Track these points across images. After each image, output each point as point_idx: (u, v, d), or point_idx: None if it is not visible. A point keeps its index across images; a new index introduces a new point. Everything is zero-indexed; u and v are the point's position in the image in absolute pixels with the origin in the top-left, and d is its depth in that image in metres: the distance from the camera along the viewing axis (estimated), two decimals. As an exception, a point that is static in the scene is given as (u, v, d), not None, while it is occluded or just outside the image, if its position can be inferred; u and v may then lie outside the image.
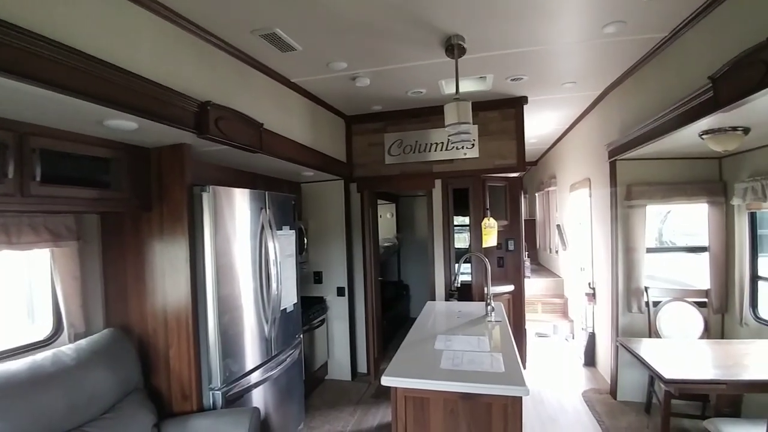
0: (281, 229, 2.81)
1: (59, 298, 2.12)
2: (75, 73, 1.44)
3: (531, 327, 4.76)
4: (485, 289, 3.91)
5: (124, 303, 2.28)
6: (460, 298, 3.92)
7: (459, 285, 2.93)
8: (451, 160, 3.94)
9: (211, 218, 2.15)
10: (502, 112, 3.79)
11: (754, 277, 2.80)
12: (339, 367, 4.08)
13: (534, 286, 5.51)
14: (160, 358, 2.20)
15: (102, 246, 2.34)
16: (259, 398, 2.48)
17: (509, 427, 1.71)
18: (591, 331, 4.16)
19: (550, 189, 6.05)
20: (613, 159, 3.31)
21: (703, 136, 2.32)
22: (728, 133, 2.20)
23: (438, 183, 4.02)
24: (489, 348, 2.13)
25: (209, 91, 2.12)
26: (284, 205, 2.88)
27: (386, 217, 6.48)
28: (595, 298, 4.07)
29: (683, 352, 2.57)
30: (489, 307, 2.79)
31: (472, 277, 3.99)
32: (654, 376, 2.83)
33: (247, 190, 2.44)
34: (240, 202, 2.37)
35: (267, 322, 2.56)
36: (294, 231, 3.03)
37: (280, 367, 2.67)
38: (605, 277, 3.71)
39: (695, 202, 3.12)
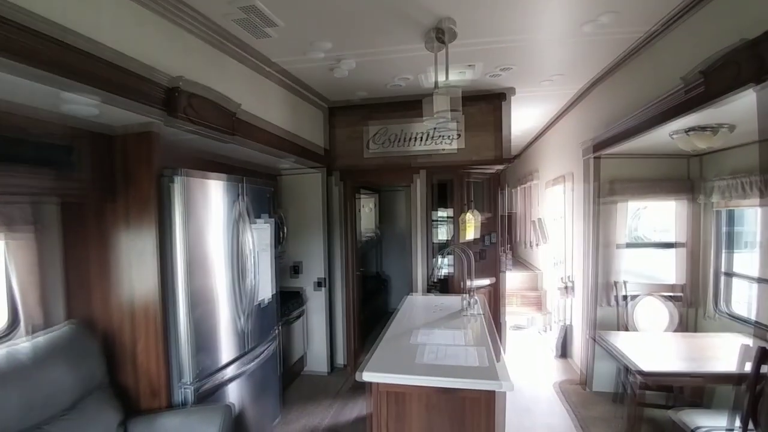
0: (258, 220, 2.71)
1: (14, 290, 1.98)
2: (23, 36, 1.31)
3: (508, 319, 4.82)
4: (465, 282, 3.93)
5: (88, 296, 2.16)
6: (441, 290, 3.92)
7: (442, 277, 2.91)
8: (432, 153, 3.90)
9: (182, 208, 2.04)
10: (485, 106, 3.77)
11: (721, 273, 2.89)
12: (317, 361, 4.03)
13: (512, 279, 5.57)
14: (126, 354, 2.10)
15: (63, 236, 2.20)
16: (234, 393, 2.41)
17: (484, 420, 1.70)
18: (566, 323, 4.24)
19: (531, 183, 6.11)
20: (597, 155, 3.34)
21: (673, 136, 2.35)
22: (698, 133, 2.24)
23: (419, 175, 3.98)
24: (468, 342, 2.12)
25: (180, 69, 1.99)
26: (261, 195, 2.78)
27: (367, 209, 6.42)
28: (572, 291, 4.14)
29: (656, 345, 2.64)
30: (469, 301, 2.78)
31: (453, 270, 3.99)
32: (625, 368, 2.92)
33: (221, 178, 2.33)
34: (213, 191, 2.27)
35: (242, 315, 2.48)
36: (271, 222, 2.94)
37: (255, 362, 2.59)
38: (580, 272, 3.77)
39: (668, 199, 3.19)
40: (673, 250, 3.35)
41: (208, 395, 2.18)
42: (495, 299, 4.17)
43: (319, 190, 4.00)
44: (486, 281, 4.15)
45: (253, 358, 2.60)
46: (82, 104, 1.60)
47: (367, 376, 1.77)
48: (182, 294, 2.05)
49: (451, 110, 2.45)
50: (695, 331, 3.18)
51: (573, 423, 2.87)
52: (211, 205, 2.24)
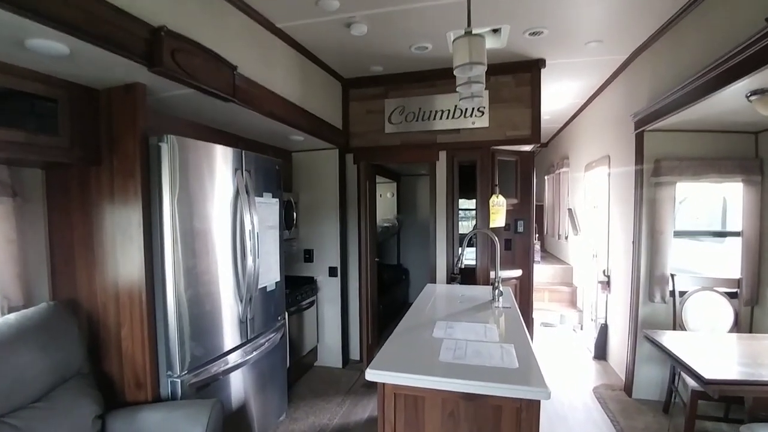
0: (262, 196, 2.45)
1: (-11, 264, 1.80)
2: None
3: (536, 316, 4.44)
4: (491, 272, 3.59)
5: (72, 274, 1.95)
6: (463, 282, 3.59)
7: (462, 266, 2.58)
8: (458, 130, 3.55)
9: (171, 176, 1.79)
10: (516, 77, 3.39)
11: None
12: (329, 354, 3.78)
13: (541, 273, 5.17)
14: (111, 339, 1.88)
15: (48, 208, 2.00)
16: (233, 386, 2.18)
17: (523, 434, 1.38)
18: (603, 322, 3.83)
19: (561, 171, 5.65)
20: (640, 130, 2.92)
21: (751, 98, 1.93)
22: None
23: (442, 155, 3.64)
24: (498, 338, 1.79)
25: (167, 19, 1.73)
26: (266, 169, 2.52)
27: (387, 196, 6.13)
28: (609, 286, 3.73)
29: (713, 347, 2.24)
30: (497, 291, 2.44)
31: (476, 260, 3.65)
32: (678, 374, 2.52)
33: (217, 146, 2.08)
34: (209, 160, 2.01)
35: (242, 301, 2.23)
36: (278, 200, 2.68)
37: (257, 352, 2.35)
38: (623, 264, 3.36)
39: (729, 180, 2.74)
40: (724, 242, 2.91)
41: (202, 387, 1.95)
42: (523, 293, 3.80)
43: (333, 171, 3.72)
44: (513, 273, 3.79)
45: (254, 348, 2.35)
46: (49, 39, 1.35)
47: (374, 375, 1.47)
48: (171, 274, 1.81)
49: (475, 63, 2.09)
50: (752, 331, 2.75)
51: (615, 435, 2.50)
52: (205, 174, 1.98)
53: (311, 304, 3.57)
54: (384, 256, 6.04)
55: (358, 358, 3.85)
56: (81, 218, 1.91)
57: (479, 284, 3.56)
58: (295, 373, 3.30)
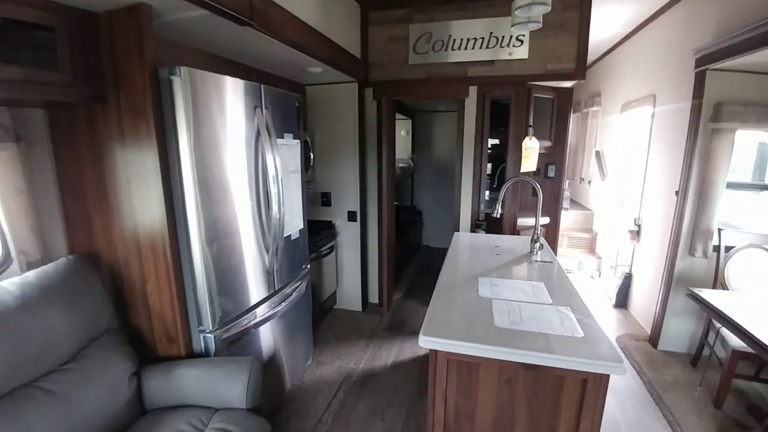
0: (282, 137, 2.22)
1: (0, 217, 1.63)
2: None
3: (555, 261, 4.38)
4: (518, 220, 3.44)
5: (88, 224, 1.79)
6: (488, 230, 3.46)
7: (499, 214, 2.41)
8: (492, 62, 3.18)
9: (187, 114, 1.55)
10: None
11: None
12: (349, 298, 3.77)
13: (561, 218, 5.03)
14: (136, 294, 1.77)
15: (54, 152, 1.78)
16: (263, 338, 2.13)
17: (586, 408, 1.31)
18: (627, 271, 3.76)
19: (591, 110, 5.25)
20: (703, 68, 2.57)
21: None
22: None
23: (473, 91, 3.30)
24: (550, 299, 1.68)
25: None
26: (286, 106, 2.25)
27: (401, 134, 5.79)
28: (639, 236, 3.60)
29: (760, 308, 2.13)
30: (537, 245, 2.30)
31: (503, 206, 3.48)
32: (716, 331, 2.47)
33: (236, 80, 1.80)
34: (227, 96, 1.75)
35: (268, 251, 2.10)
36: (299, 141, 2.44)
37: (285, 303, 2.28)
38: (660, 214, 3.20)
39: None
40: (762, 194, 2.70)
41: (234, 342, 1.89)
42: (549, 241, 3.69)
43: (351, 108, 3.40)
44: (542, 221, 3.64)
45: (282, 299, 2.27)
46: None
47: (428, 342, 1.37)
48: (195, 226, 1.64)
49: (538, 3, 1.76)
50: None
51: (642, 386, 2.51)
52: (224, 112, 1.73)
53: (331, 249, 3.48)
54: (398, 198, 5.88)
55: (377, 301, 3.86)
56: (90, 162, 1.70)
57: (505, 233, 3.43)
58: (317, 316, 3.30)
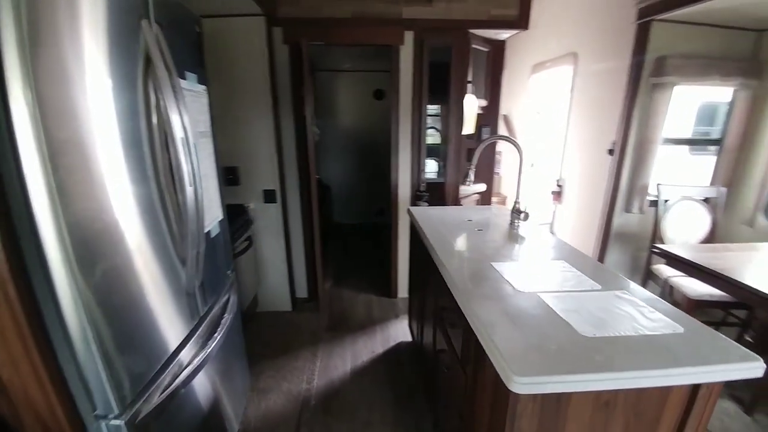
0: (185, 78, 1.39)
1: None
2: None
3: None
4: (461, 187, 3.11)
5: None
6: (430, 202, 3.10)
7: (471, 182, 2.03)
8: (431, 1, 2.70)
9: (18, 26, 0.69)
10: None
11: None
12: (274, 297, 3.04)
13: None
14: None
15: None
16: (197, 393, 1.36)
17: (693, 418, 1.03)
18: (549, 231, 3.88)
19: (494, 73, 5.27)
20: (647, 19, 2.55)
21: None
22: None
23: (409, 37, 2.79)
24: (594, 282, 1.36)
25: None
26: (184, 28, 1.42)
27: (300, 97, 4.97)
28: (561, 197, 3.70)
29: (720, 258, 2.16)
30: (522, 215, 2.00)
31: (445, 176, 3.15)
32: (657, 282, 2.58)
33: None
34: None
35: (184, 262, 1.31)
36: (205, 87, 1.62)
37: (217, 332, 1.51)
38: (586, 173, 3.27)
39: (727, 84, 2.63)
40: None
41: (158, 415, 1.11)
42: (485, 207, 3.53)
43: (260, 53, 2.56)
44: (477, 188, 3.45)
45: (211, 327, 1.52)
46: None
47: (534, 386, 0.90)
48: (52, 237, 0.82)
49: None
50: (725, 241, 2.78)
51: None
52: (81, 23, 0.88)
53: (248, 242, 2.67)
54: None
55: (306, 295, 3.21)
56: None
57: (448, 203, 3.12)
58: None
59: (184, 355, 1.29)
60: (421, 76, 2.85)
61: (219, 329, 1.53)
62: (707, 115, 4.93)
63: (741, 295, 1.83)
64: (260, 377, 2.21)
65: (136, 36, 1.07)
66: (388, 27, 2.73)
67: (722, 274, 1.87)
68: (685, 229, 2.71)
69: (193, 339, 1.36)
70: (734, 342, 1.02)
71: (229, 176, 2.72)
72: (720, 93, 2.86)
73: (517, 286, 1.32)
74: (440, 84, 2.95)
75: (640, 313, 1.15)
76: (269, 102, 2.63)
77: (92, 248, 0.91)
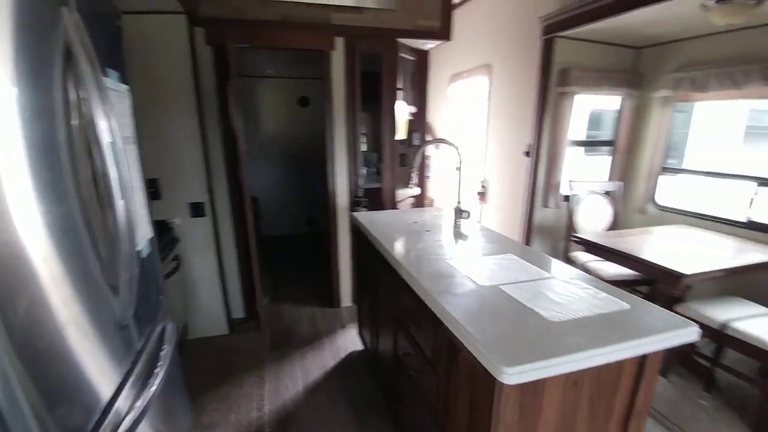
0: (107, 75, 1.21)
1: None
2: None
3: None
4: (398, 191, 3.15)
5: None
6: (369, 207, 3.09)
7: (414, 185, 2.08)
8: (360, 9, 2.73)
9: None
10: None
11: (661, 168, 3.06)
12: (207, 321, 2.76)
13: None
14: None
15: None
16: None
17: (642, 388, 1.16)
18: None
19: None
20: (551, 36, 2.88)
21: (707, 2, 2.04)
22: (738, 4, 1.96)
23: (339, 43, 2.78)
24: (545, 271, 1.47)
25: None
26: (104, 20, 1.23)
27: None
28: (485, 197, 3.97)
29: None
30: (465, 214, 2.10)
31: (381, 182, 3.18)
32: (576, 266, 2.89)
33: None
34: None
35: (116, 290, 1.12)
36: (128, 87, 1.43)
37: (158, 368, 1.32)
38: (507, 174, 3.56)
39: (615, 93, 3.08)
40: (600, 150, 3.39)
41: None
42: (419, 210, 3.64)
43: (182, 54, 2.34)
44: (412, 191, 3.54)
45: (149, 363, 1.31)
46: None
47: (527, 373, 0.93)
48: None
49: None
50: (627, 227, 3.12)
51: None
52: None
53: (176, 263, 2.39)
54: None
55: (242, 315, 2.98)
56: None
57: (386, 207, 3.16)
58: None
59: (123, 400, 1.10)
60: (353, 82, 2.85)
61: (160, 363, 1.34)
62: (596, 120, 5.74)
63: (646, 270, 2.14)
64: (203, 412, 1.98)
65: (54, 25, 0.90)
66: (319, 31, 2.69)
67: (632, 255, 2.17)
68: (593, 220, 3.09)
69: (131, 379, 1.16)
70: (670, 311, 1.18)
71: (150, 189, 2.41)
72: (610, 101, 3.34)
73: (478, 281, 1.37)
74: (370, 92, 2.99)
75: (589, 294, 1.27)
76: (193, 107, 2.41)
77: (7, 283, 0.73)
